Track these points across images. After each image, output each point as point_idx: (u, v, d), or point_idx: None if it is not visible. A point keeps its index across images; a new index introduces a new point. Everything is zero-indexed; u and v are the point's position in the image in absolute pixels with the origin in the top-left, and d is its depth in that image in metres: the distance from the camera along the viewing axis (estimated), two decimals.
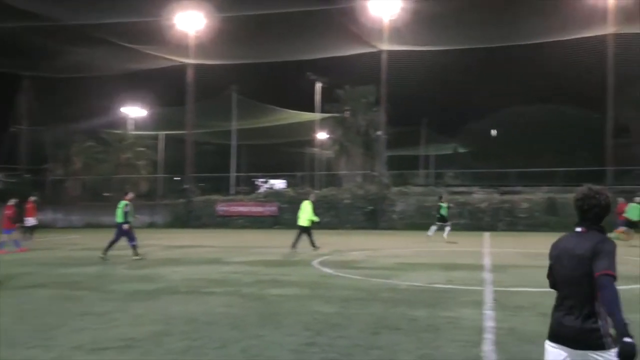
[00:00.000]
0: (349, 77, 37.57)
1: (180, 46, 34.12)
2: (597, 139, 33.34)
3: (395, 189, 32.92)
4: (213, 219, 33.67)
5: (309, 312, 8.10)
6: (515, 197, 30.78)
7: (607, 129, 31.26)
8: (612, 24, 29.97)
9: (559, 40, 31.37)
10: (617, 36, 30.35)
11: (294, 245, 17.28)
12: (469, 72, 38.59)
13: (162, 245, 19.98)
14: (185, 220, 33.83)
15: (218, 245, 20.39)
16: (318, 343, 6.35)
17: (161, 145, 46.35)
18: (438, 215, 22.47)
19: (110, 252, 15.27)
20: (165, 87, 40.44)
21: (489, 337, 6.57)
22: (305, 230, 17.56)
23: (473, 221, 29.65)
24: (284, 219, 32.06)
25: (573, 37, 31.07)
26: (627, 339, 2.70)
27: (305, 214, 17.67)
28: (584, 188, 3.26)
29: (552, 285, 3.31)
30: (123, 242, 15.43)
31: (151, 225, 32.48)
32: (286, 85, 42.53)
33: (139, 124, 44.41)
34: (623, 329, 2.74)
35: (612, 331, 2.91)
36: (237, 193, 39.81)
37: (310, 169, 49.68)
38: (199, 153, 39.29)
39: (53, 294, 9.99)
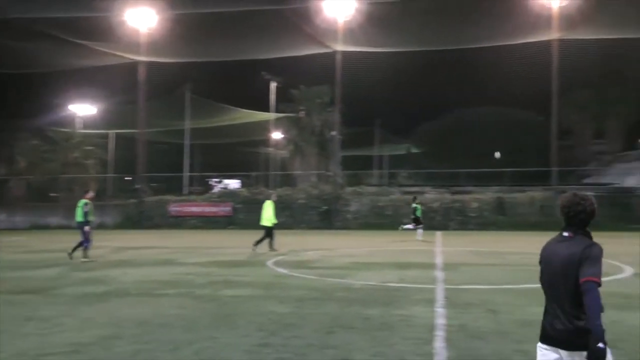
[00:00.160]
0: (304, 77, 37.68)
1: (132, 43, 33.35)
2: (543, 141, 34.57)
3: (349, 189, 33.21)
4: (165, 220, 33.10)
5: (263, 313, 8.06)
6: (466, 197, 31.54)
7: (552, 131, 32.47)
8: (556, 30, 31.15)
9: (507, 45, 32.37)
10: (561, 42, 31.58)
11: (256, 244, 17.06)
12: (423, 74, 39.30)
13: (112, 247, 19.46)
14: (137, 220, 33.13)
15: (171, 247, 20.03)
16: (272, 343, 6.33)
17: (111, 144, 45.24)
18: (413, 217, 22.85)
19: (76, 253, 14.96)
20: (116, 85, 39.45)
21: (440, 334, 6.70)
22: (268, 230, 17.41)
23: (425, 220, 30.11)
24: (238, 219, 31.85)
25: (520, 41, 32.11)
26: (601, 345, 2.80)
27: (268, 213, 17.54)
28: (569, 195, 3.24)
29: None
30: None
31: (100, 226, 31.56)
32: (241, 85, 42.18)
33: (88, 123, 43.13)
34: (600, 335, 2.82)
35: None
36: (191, 193, 39.25)
37: (265, 169, 49.49)
38: (151, 152, 38.49)
39: None
